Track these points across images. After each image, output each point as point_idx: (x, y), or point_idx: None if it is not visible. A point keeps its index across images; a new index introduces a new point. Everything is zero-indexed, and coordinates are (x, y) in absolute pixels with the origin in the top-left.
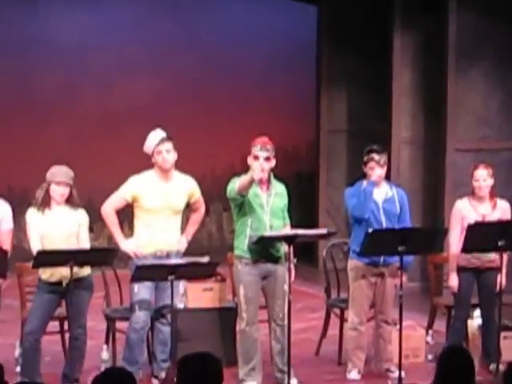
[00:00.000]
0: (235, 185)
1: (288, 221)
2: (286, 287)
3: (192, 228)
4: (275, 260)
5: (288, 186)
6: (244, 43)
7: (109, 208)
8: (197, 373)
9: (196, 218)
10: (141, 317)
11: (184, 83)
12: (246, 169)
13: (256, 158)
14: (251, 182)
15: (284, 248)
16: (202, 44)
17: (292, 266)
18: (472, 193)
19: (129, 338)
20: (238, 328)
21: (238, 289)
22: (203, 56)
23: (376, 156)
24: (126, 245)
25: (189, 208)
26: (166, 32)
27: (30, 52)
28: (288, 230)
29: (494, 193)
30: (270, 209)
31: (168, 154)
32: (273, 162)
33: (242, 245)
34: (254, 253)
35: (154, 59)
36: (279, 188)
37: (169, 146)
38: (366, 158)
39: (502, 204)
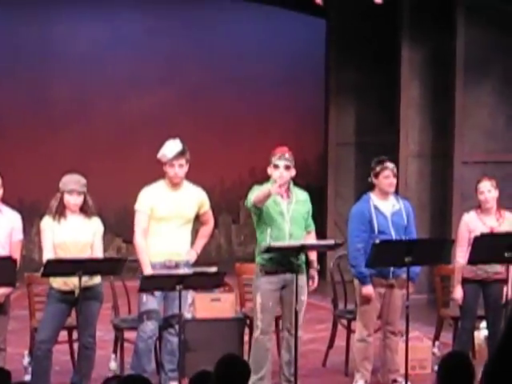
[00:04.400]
0: (252, 196)
1: (312, 227)
2: (303, 298)
3: (201, 241)
4: (295, 269)
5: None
6: (253, 56)
7: (139, 236)
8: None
9: (205, 231)
10: (149, 326)
11: (194, 96)
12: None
13: (276, 167)
14: (268, 195)
15: (303, 257)
16: (212, 57)
17: (315, 273)
18: (478, 206)
19: (137, 347)
20: (253, 336)
21: (254, 297)
22: (214, 69)
23: (390, 164)
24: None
25: (198, 221)
26: (178, 45)
27: (42, 64)
28: (311, 239)
29: (500, 205)
30: (290, 217)
31: (180, 169)
32: (293, 171)
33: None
34: (274, 262)
35: (166, 72)
36: (301, 195)
37: (182, 161)
38: (379, 168)
39: (510, 216)
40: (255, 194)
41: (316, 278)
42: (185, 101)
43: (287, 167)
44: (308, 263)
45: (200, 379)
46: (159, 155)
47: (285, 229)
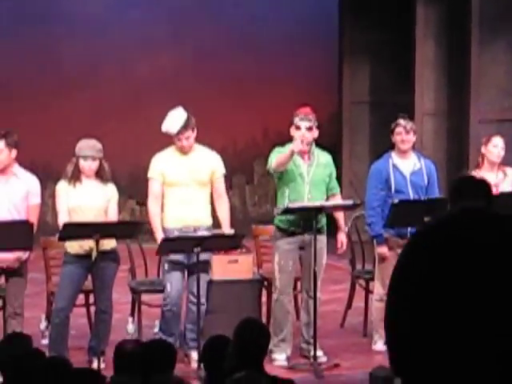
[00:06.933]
0: (273, 161)
1: (337, 189)
2: (322, 260)
3: (226, 221)
4: (313, 231)
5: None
6: (266, 16)
7: (151, 203)
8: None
9: (224, 211)
10: (172, 293)
11: (207, 56)
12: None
13: (298, 128)
14: (291, 155)
15: (324, 219)
16: (225, 17)
17: (344, 236)
18: (481, 163)
19: (163, 313)
20: (272, 297)
21: (273, 257)
22: (226, 29)
23: (402, 121)
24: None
25: (212, 190)
26: (188, 5)
27: (54, 26)
28: (338, 200)
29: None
30: (310, 179)
31: (187, 141)
32: (315, 133)
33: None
34: (291, 223)
35: (176, 33)
36: (323, 158)
37: (188, 133)
38: (393, 125)
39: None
40: (277, 158)
41: (345, 240)
42: (196, 62)
43: (309, 128)
44: (335, 226)
45: (214, 344)
46: (163, 130)
47: (304, 191)
